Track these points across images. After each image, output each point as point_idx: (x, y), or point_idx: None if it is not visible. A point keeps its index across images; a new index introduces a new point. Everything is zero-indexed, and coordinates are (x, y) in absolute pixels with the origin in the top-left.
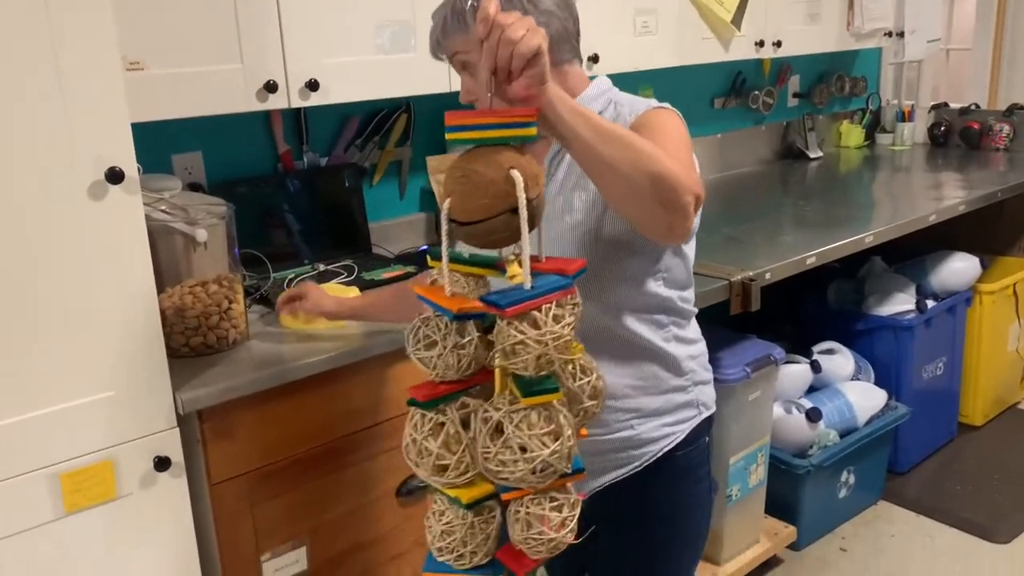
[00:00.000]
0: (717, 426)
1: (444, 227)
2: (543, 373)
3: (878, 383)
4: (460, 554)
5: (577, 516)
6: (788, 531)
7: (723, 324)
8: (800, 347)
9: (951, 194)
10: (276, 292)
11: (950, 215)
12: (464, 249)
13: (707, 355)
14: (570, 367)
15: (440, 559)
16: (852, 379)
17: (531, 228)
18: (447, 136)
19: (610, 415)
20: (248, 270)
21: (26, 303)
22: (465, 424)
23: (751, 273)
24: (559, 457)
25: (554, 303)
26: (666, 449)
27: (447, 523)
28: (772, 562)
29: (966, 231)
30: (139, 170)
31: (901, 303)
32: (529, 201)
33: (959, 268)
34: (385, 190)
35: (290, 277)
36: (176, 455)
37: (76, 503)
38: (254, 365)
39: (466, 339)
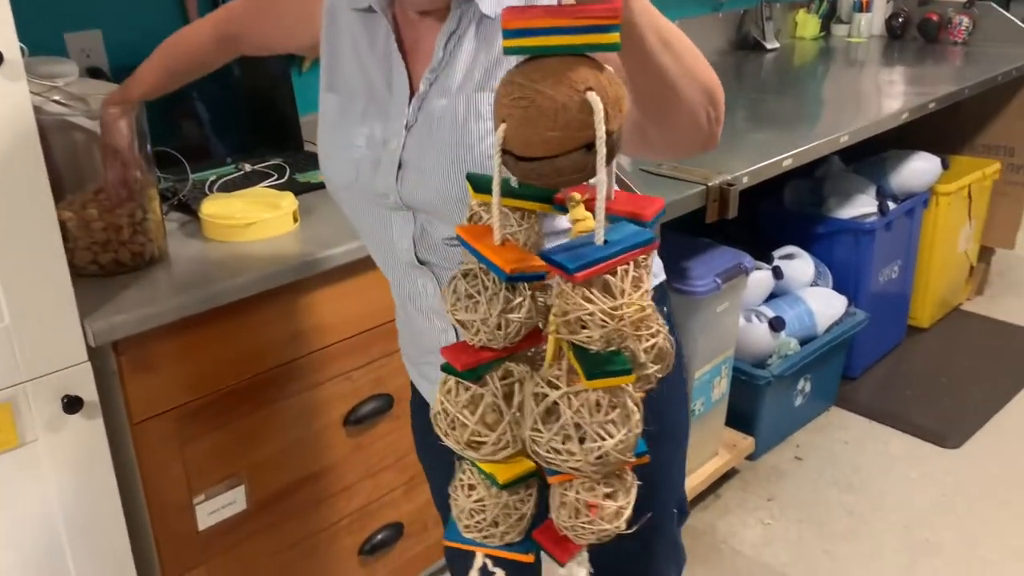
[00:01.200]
0: (684, 339)
1: (497, 158)
2: (612, 349)
3: (836, 288)
4: (489, 534)
5: (633, 502)
6: (747, 442)
7: (677, 231)
8: (757, 252)
9: (916, 90)
10: (197, 197)
11: (920, 113)
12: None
13: None
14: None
15: (466, 535)
16: (812, 285)
17: (609, 164)
18: (504, 43)
19: None
20: (163, 172)
21: None
22: (508, 396)
23: (729, 177)
24: (624, 448)
25: (631, 264)
26: None
27: (477, 500)
28: (729, 473)
29: (920, 130)
30: (23, 51)
31: (862, 205)
32: (609, 135)
33: (921, 168)
34: (317, 78)
35: (211, 179)
36: (89, 394)
37: None
38: (176, 286)
39: (517, 301)
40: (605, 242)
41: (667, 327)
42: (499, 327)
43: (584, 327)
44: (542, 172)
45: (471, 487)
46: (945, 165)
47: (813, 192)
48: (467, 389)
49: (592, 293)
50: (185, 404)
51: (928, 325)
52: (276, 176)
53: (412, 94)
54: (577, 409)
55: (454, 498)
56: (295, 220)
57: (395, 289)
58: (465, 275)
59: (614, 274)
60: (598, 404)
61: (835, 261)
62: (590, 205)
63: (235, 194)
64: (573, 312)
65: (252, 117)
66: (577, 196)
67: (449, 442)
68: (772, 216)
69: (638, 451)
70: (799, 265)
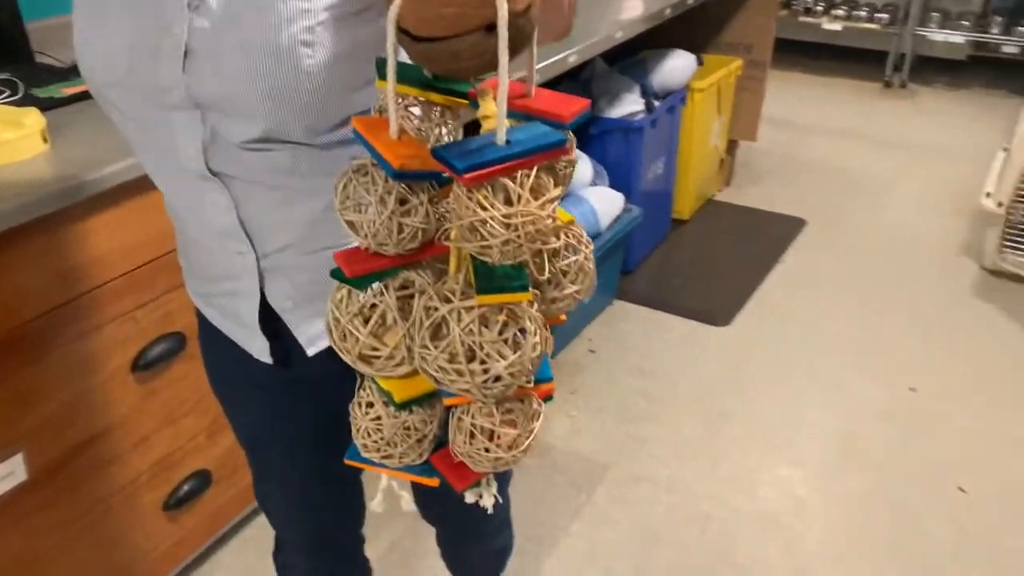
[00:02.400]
0: None
1: (390, 36)
2: (512, 263)
3: (612, 186)
4: (388, 454)
5: (536, 432)
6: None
7: None
8: None
9: None
10: None
11: (682, 9)
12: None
13: None
14: (552, 243)
15: (364, 455)
16: (591, 184)
17: (515, 54)
18: None
19: None
20: None
21: None
22: (405, 308)
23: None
24: (518, 372)
25: (535, 170)
26: None
27: (374, 419)
28: None
29: (672, 30)
30: None
31: (630, 104)
32: (516, 15)
33: (679, 66)
34: None
35: None
36: None
37: None
38: None
39: (413, 203)
40: (508, 142)
41: (592, 247)
42: (392, 232)
43: (480, 236)
44: (437, 55)
45: (369, 405)
46: (700, 62)
47: (582, 93)
48: (358, 299)
49: (486, 198)
50: None
51: (688, 216)
52: (8, 93)
53: None
54: (467, 327)
55: (353, 415)
56: (44, 140)
57: (177, 210)
58: (356, 171)
59: (513, 179)
60: (488, 322)
61: (609, 160)
62: (514, 103)
63: None
64: (466, 217)
65: None
66: (489, 90)
67: (343, 356)
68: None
69: (541, 376)
70: (578, 165)
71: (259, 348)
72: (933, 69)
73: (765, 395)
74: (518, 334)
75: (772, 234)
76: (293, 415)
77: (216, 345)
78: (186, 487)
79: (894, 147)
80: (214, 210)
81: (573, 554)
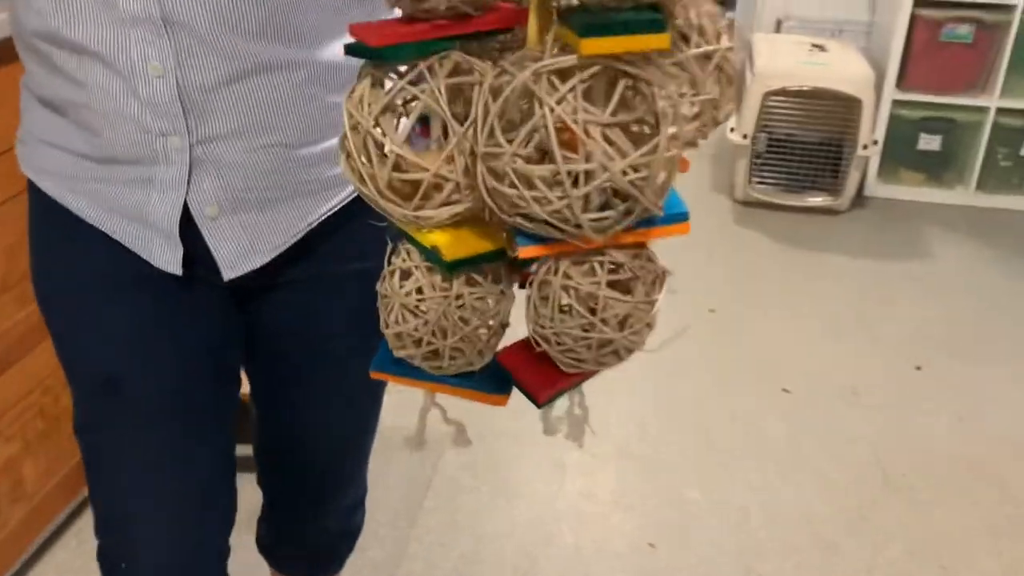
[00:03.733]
0: None
1: None
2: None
3: None
4: (432, 348)
5: (658, 305)
6: None
7: None
8: None
9: None
10: None
11: None
12: None
13: None
14: None
15: (399, 353)
16: None
17: None
18: None
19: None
20: None
21: None
22: (458, 101)
23: None
24: (642, 182)
25: None
26: None
27: (413, 293)
28: None
29: None
30: None
31: None
32: None
33: None
34: None
35: None
36: None
37: None
38: None
39: None
40: None
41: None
42: None
43: None
44: None
45: (404, 275)
46: None
47: None
48: (386, 95)
49: None
50: None
51: None
52: None
53: None
54: (563, 98)
55: (382, 296)
56: None
57: (70, 66)
58: None
59: None
60: (594, 94)
61: None
62: None
63: None
64: None
65: None
66: None
67: (361, 190)
68: None
69: (674, 211)
70: None
71: (166, 256)
72: None
73: None
74: (645, 120)
75: None
76: (179, 333)
77: (72, 243)
78: None
79: None
80: (144, 71)
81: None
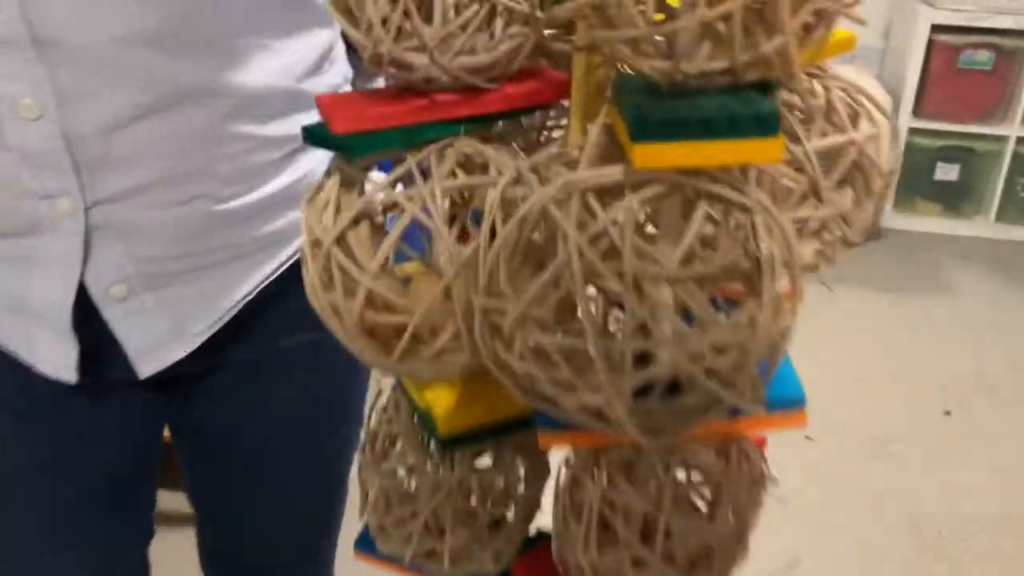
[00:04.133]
0: None
1: None
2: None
3: None
4: (427, 549)
5: (754, 525)
6: None
7: None
8: None
9: None
10: None
11: None
12: None
13: None
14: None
15: (384, 549)
16: None
17: None
18: None
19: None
20: None
21: None
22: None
23: None
24: (730, 368)
25: None
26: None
27: (400, 469)
28: None
29: None
30: None
31: None
32: None
33: None
34: None
35: None
36: None
37: None
38: None
39: None
40: None
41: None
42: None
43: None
44: None
45: (390, 441)
46: None
47: None
48: (359, 199)
49: None
50: None
51: None
52: None
53: None
54: (599, 235)
55: (360, 465)
56: None
57: None
58: None
59: None
60: (665, 213)
61: None
62: None
63: None
64: None
65: None
66: None
67: (328, 323)
68: None
69: (783, 394)
70: None
71: (57, 360)
72: None
73: None
74: (738, 267)
75: None
76: (73, 448)
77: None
78: None
79: None
80: (12, 113)
81: None
